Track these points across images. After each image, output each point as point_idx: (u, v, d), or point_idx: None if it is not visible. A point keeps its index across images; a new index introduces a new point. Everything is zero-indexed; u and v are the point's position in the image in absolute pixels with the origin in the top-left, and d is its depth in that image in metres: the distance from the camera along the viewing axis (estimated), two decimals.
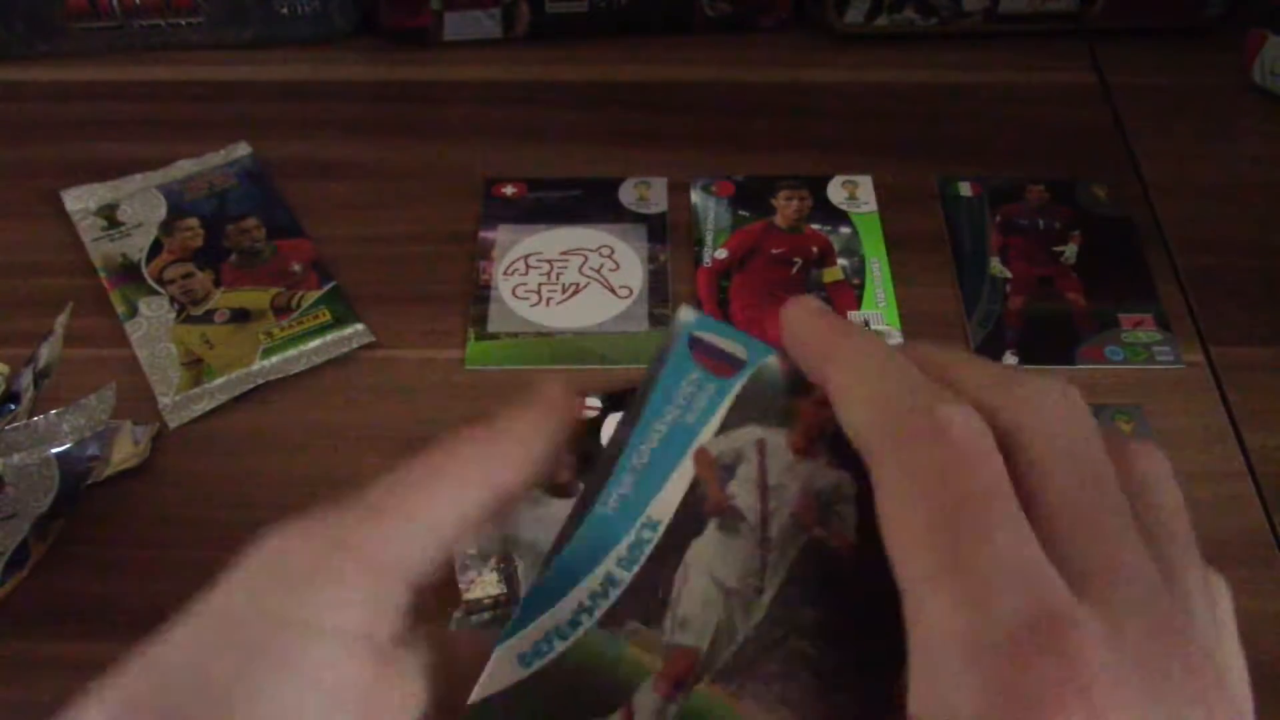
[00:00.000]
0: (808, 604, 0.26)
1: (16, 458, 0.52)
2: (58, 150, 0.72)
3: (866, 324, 0.62)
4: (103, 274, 0.64)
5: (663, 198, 0.69)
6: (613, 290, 0.64)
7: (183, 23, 0.76)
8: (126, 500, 0.55)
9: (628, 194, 0.69)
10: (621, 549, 0.27)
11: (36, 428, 0.52)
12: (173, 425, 0.58)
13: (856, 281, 0.65)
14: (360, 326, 0.62)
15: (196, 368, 0.60)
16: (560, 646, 0.26)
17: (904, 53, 0.79)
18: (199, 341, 0.61)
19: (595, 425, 0.56)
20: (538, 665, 0.26)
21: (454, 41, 0.78)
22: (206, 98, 0.75)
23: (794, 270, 0.65)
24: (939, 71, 0.78)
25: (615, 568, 0.27)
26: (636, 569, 0.27)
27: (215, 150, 0.71)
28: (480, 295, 0.64)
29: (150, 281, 0.63)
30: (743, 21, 0.80)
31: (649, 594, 0.27)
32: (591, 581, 0.27)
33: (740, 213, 0.68)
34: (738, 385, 0.28)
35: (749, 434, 0.28)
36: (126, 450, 0.56)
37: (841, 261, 0.66)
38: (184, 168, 0.69)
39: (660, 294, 0.64)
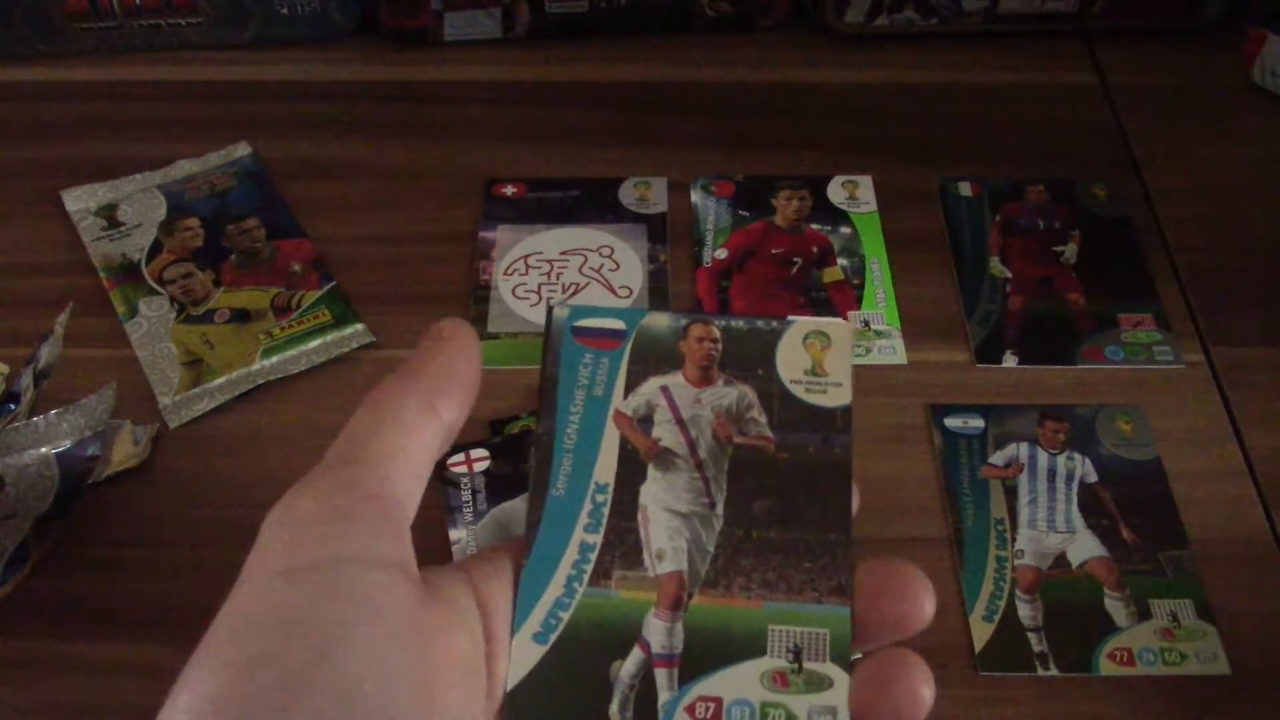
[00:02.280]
0: (755, 499, 0.32)
1: (16, 458, 0.52)
2: (58, 150, 0.72)
3: (866, 324, 0.62)
4: (103, 274, 0.64)
5: (663, 198, 0.69)
6: (613, 290, 0.64)
7: (183, 23, 0.76)
8: (126, 500, 0.55)
9: (628, 194, 0.69)
10: (584, 517, 0.31)
11: (36, 428, 0.52)
12: (173, 425, 0.58)
13: (856, 281, 0.65)
14: (360, 326, 0.62)
15: (196, 368, 0.60)
16: (565, 616, 0.30)
17: (904, 53, 0.79)
18: (199, 341, 0.61)
19: None
20: (552, 639, 0.30)
21: (454, 41, 0.78)
22: (206, 98, 0.75)
23: (794, 270, 0.65)
24: (939, 71, 0.78)
25: (585, 534, 0.31)
26: (603, 528, 0.31)
27: (215, 150, 0.71)
28: (480, 295, 0.64)
29: (150, 281, 0.63)
30: (743, 21, 0.80)
31: (622, 544, 0.31)
32: (570, 553, 0.31)
33: (740, 213, 0.68)
34: (626, 351, 0.34)
35: (652, 386, 0.33)
36: (126, 450, 0.56)
37: (841, 261, 0.66)
38: (184, 168, 0.70)
39: (660, 294, 0.64)
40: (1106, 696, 0.49)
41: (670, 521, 0.32)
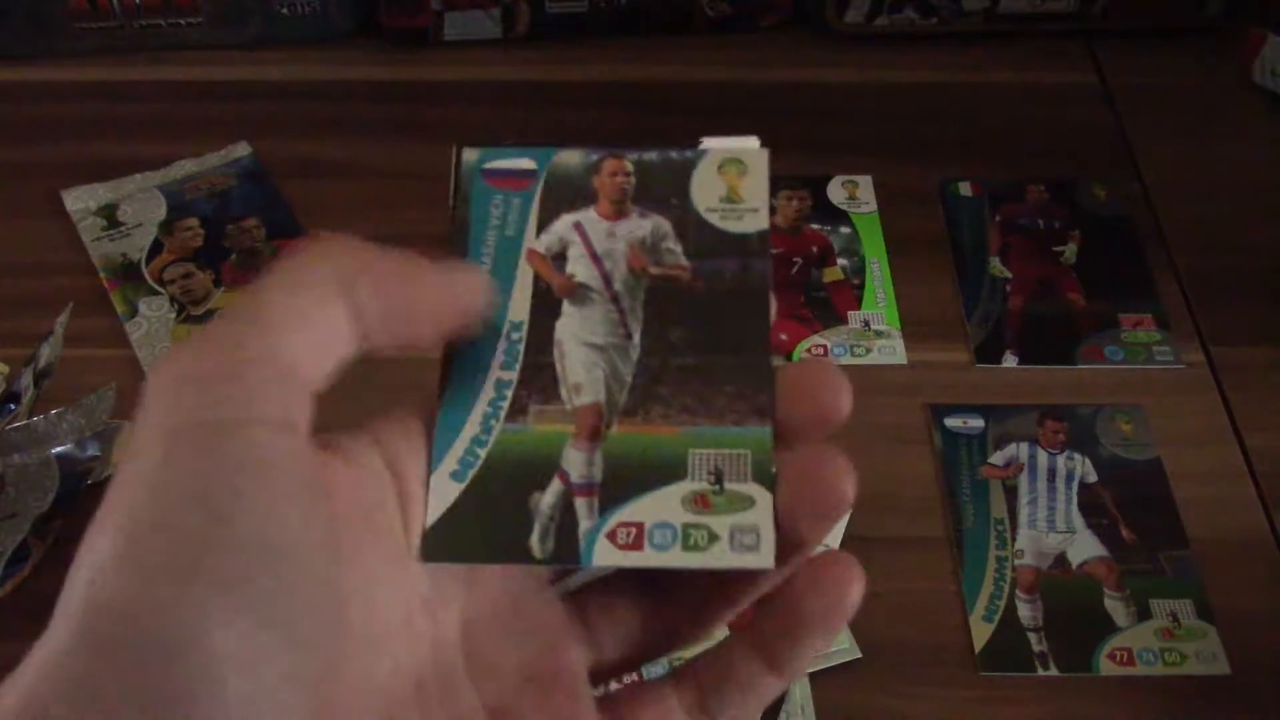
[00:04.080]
0: (672, 327, 0.31)
1: (16, 458, 0.52)
2: (58, 150, 0.72)
3: (866, 324, 0.62)
4: (103, 274, 0.64)
5: None
6: None
7: (183, 23, 0.76)
8: None
9: None
10: (499, 355, 0.31)
11: (36, 428, 0.52)
12: None
13: (856, 281, 0.65)
14: None
15: None
16: (482, 452, 0.30)
17: (904, 53, 0.79)
18: None
19: None
20: (470, 475, 0.30)
21: (454, 41, 0.78)
22: (206, 98, 0.75)
23: (794, 270, 0.65)
24: (939, 71, 0.78)
25: (500, 372, 0.31)
26: (519, 365, 0.31)
27: (215, 150, 0.71)
28: None
29: (150, 281, 0.63)
30: (743, 21, 0.80)
31: (538, 379, 0.31)
32: (486, 391, 0.31)
33: None
34: (538, 189, 0.33)
35: (564, 222, 0.33)
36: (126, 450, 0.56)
37: (841, 261, 0.66)
38: (184, 168, 0.69)
39: None
40: (1106, 696, 0.49)
41: (587, 355, 0.31)
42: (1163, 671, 0.50)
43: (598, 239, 0.33)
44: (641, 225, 0.33)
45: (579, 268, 0.32)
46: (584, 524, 0.29)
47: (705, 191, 0.33)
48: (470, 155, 0.33)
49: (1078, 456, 0.57)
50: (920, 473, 0.57)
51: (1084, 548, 0.54)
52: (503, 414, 0.31)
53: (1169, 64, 0.78)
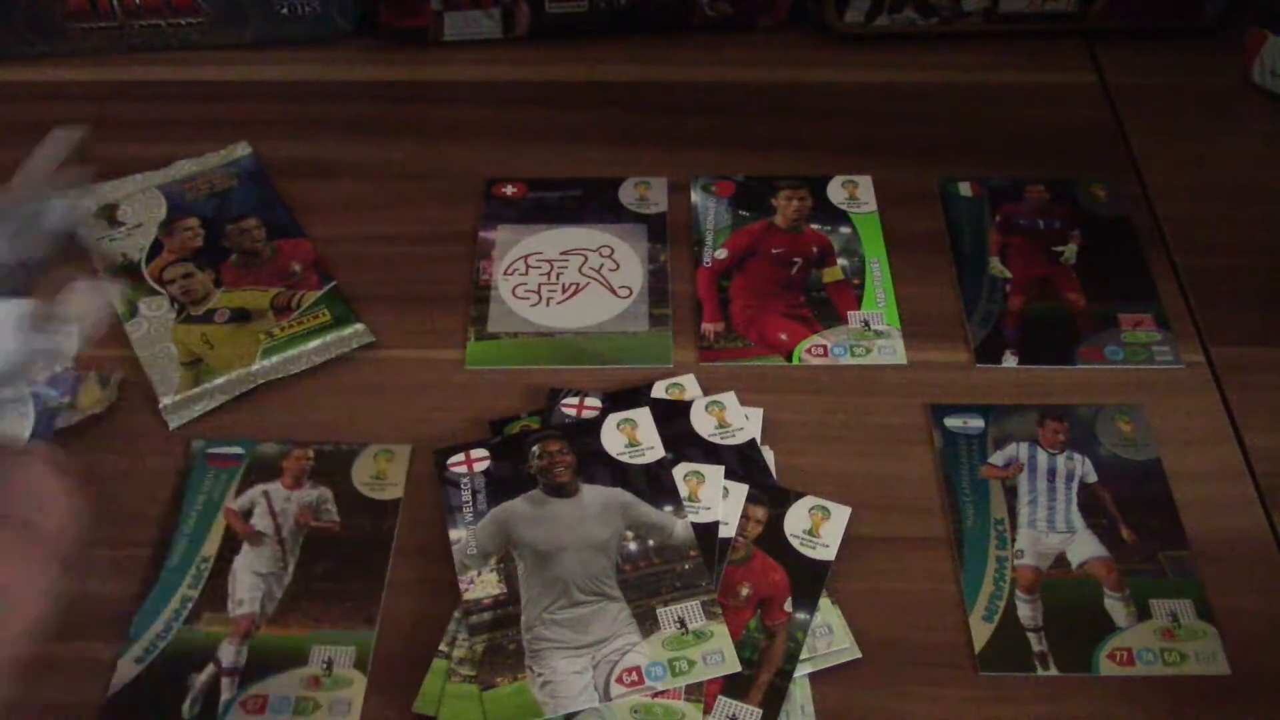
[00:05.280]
0: (319, 562, 0.52)
1: None
2: None
3: (866, 324, 0.62)
4: (103, 274, 0.64)
5: (663, 198, 0.69)
6: (613, 290, 0.64)
7: (183, 23, 0.76)
8: (127, 499, 0.55)
9: (628, 194, 0.69)
10: (188, 580, 0.51)
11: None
12: (173, 425, 0.58)
13: (856, 281, 0.65)
14: (360, 326, 0.62)
15: (196, 368, 0.60)
16: (162, 645, 0.49)
17: (904, 53, 0.79)
18: (199, 341, 0.61)
19: (595, 425, 0.56)
20: (149, 659, 0.49)
21: (454, 41, 0.78)
22: (206, 98, 0.75)
23: (794, 270, 0.65)
24: (939, 71, 0.78)
25: (187, 590, 0.51)
26: (201, 586, 0.51)
27: (215, 150, 0.71)
28: (480, 295, 0.64)
29: (150, 281, 0.63)
30: (743, 21, 0.80)
31: (214, 597, 0.51)
32: (173, 603, 0.51)
33: (740, 213, 0.68)
34: (241, 469, 0.54)
35: (256, 490, 0.54)
36: (94, 395, 0.57)
37: (841, 261, 0.66)
38: (184, 168, 0.69)
39: (660, 294, 0.64)
40: (1106, 696, 0.49)
41: (252, 580, 0.51)
42: (1163, 671, 0.50)
43: (278, 502, 0.53)
44: (311, 494, 0.53)
45: (260, 520, 0.52)
46: (224, 695, 0.47)
47: (360, 472, 0.55)
48: (199, 445, 0.54)
49: (1078, 456, 0.57)
50: (920, 473, 0.57)
51: (1084, 548, 0.54)
52: (183, 618, 0.50)
53: (1169, 64, 0.78)
